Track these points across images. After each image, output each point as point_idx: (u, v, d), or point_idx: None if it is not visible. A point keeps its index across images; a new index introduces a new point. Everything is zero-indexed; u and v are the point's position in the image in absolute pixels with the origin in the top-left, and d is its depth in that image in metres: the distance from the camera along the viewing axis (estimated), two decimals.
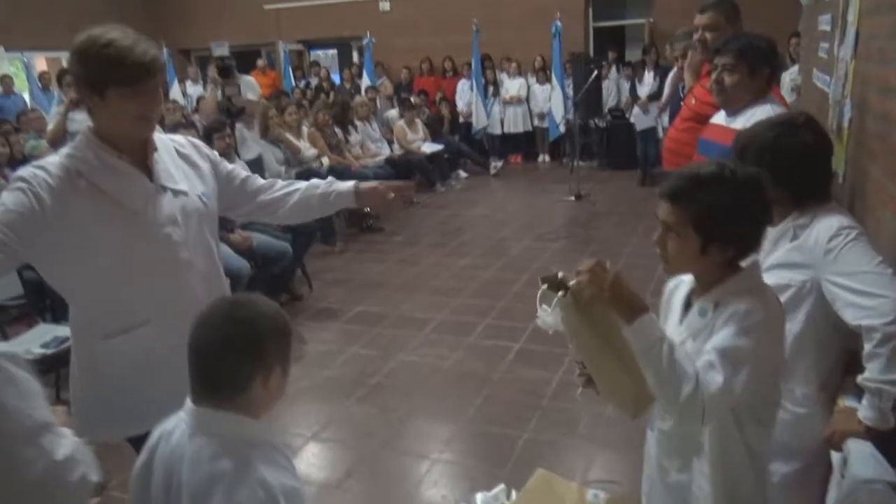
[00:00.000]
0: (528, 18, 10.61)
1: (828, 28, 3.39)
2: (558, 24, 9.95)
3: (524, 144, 10.85)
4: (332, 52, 13.94)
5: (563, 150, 10.56)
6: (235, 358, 1.21)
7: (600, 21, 11.01)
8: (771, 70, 2.48)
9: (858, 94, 2.43)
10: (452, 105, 10.62)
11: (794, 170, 1.71)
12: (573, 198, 7.94)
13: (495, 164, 10.01)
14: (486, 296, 5.07)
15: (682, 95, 3.99)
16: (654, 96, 8.17)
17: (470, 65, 10.54)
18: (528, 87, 10.50)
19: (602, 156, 10.09)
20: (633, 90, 8.92)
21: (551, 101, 10.21)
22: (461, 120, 10.71)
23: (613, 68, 10.03)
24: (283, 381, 1.29)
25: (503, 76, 10.71)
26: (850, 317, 1.60)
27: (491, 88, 10.60)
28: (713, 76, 2.50)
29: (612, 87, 10.00)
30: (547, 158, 10.83)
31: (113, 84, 1.59)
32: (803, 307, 1.75)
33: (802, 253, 1.74)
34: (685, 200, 1.35)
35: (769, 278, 1.82)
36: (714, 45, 3.02)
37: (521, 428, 3.29)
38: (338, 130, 7.69)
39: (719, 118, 2.64)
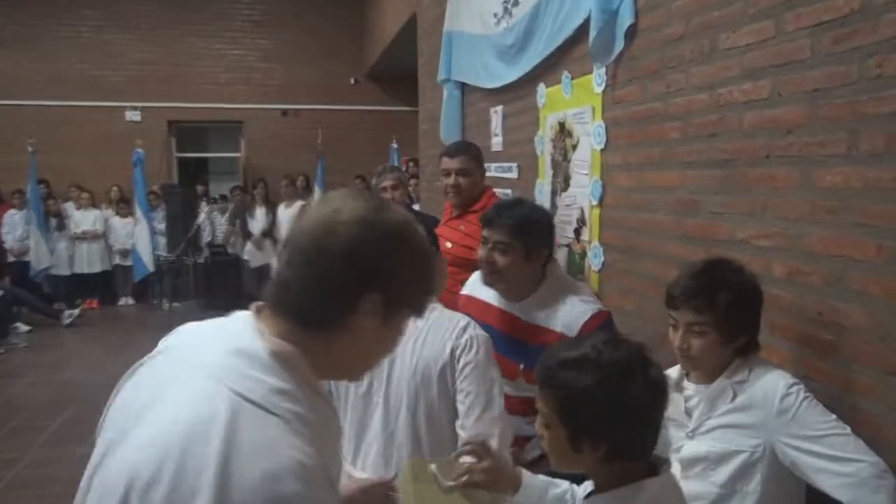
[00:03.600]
0: (99, 144, 9.40)
1: (513, 176, 3.70)
2: (140, 151, 8.98)
3: (101, 286, 9.20)
4: None
5: (151, 290, 9.36)
6: None
7: (185, 152, 10.37)
8: (550, 250, 2.19)
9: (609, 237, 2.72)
10: None
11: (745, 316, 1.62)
12: None
13: (70, 312, 8.15)
14: None
15: None
16: (268, 232, 7.89)
17: (22, 192, 8.63)
18: (106, 221, 9.08)
19: (203, 295, 9.19)
20: (243, 225, 8.48)
21: (136, 236, 9.01)
22: (11, 259, 8.56)
23: (204, 202, 9.46)
24: None
25: (69, 206, 9.05)
26: (828, 484, 1.51)
27: (54, 221, 8.82)
28: (483, 252, 2.11)
29: (206, 221, 9.37)
30: (131, 301, 9.38)
31: (411, 304, 1.02)
32: (756, 475, 1.60)
33: (750, 414, 1.62)
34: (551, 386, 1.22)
35: (709, 443, 1.66)
36: (466, 190, 2.94)
37: None
38: None
39: (484, 293, 2.25)
